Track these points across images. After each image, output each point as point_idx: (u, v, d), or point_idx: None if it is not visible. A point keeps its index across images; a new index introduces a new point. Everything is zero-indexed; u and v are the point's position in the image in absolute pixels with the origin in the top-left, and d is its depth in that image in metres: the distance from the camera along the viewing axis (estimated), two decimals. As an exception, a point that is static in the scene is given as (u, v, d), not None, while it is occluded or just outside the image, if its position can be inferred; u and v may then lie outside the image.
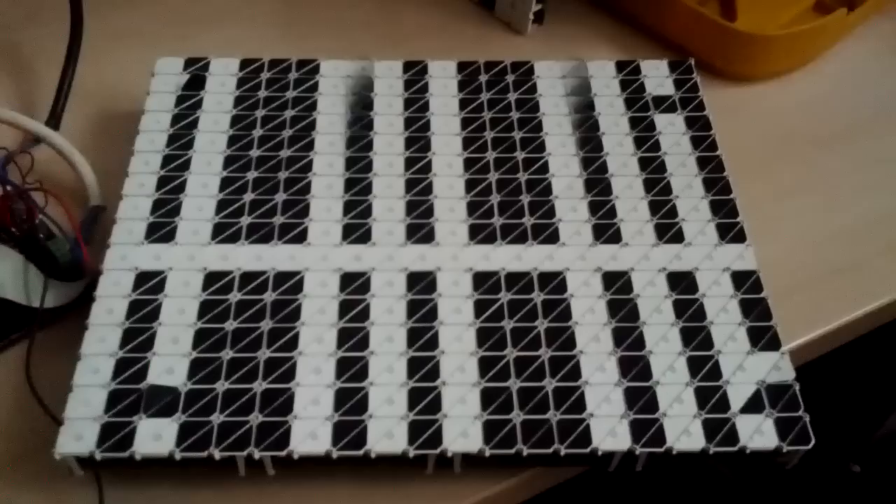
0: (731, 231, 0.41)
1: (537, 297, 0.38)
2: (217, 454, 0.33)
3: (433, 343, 0.36)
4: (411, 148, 0.43)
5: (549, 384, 0.35)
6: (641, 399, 0.35)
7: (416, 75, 0.47)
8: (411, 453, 0.33)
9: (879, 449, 0.76)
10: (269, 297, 0.37)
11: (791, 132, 0.50)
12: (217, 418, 0.34)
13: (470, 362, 0.36)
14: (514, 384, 0.35)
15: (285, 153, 0.43)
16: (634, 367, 0.36)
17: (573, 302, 0.38)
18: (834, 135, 0.50)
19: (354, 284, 0.38)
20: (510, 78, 0.47)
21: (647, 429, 0.34)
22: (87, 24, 0.49)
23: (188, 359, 0.35)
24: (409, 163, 0.43)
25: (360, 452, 0.33)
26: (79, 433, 0.33)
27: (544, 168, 0.43)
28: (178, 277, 0.38)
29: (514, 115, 0.45)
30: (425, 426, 0.34)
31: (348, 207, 0.41)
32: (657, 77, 0.47)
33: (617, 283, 0.39)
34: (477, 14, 0.55)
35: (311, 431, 0.34)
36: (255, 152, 0.43)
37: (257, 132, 0.44)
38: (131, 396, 0.34)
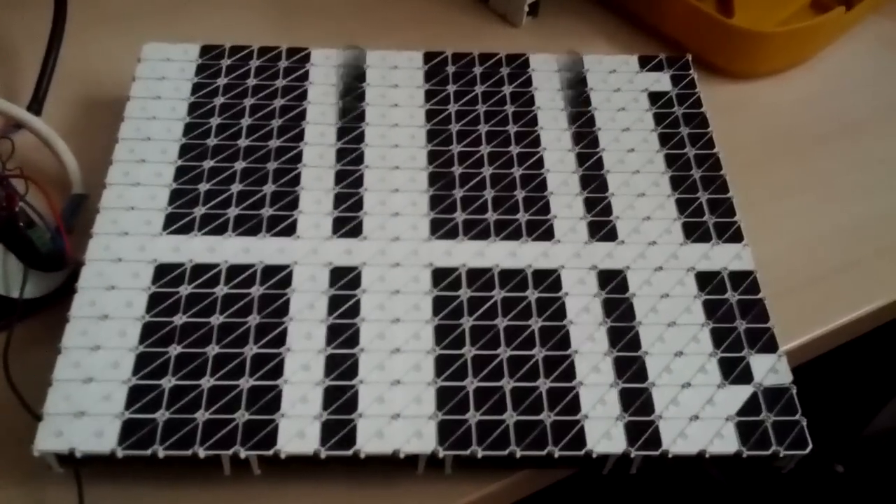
0: (728, 230, 0.40)
1: (531, 294, 0.37)
2: (202, 453, 0.32)
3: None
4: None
5: (544, 385, 0.35)
6: (637, 401, 0.34)
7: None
8: (402, 454, 0.32)
9: (863, 449, 0.76)
10: (256, 290, 0.37)
11: (788, 130, 0.49)
12: (202, 416, 0.33)
13: (461, 362, 0.35)
14: (507, 384, 0.34)
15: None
16: (630, 368, 0.35)
17: (567, 300, 0.37)
18: (831, 133, 0.49)
19: (344, 280, 0.37)
20: (505, 70, 0.46)
21: (643, 431, 0.34)
22: (71, 7, 0.48)
23: (174, 354, 0.34)
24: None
25: (350, 452, 0.32)
26: (58, 429, 0.32)
27: (540, 163, 0.42)
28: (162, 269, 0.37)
29: (510, 108, 0.44)
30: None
31: (338, 200, 0.40)
32: (654, 73, 0.47)
33: (612, 282, 0.38)
34: (471, 5, 0.55)
35: (298, 430, 0.33)
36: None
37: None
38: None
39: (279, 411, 0.33)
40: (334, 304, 0.36)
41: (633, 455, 0.33)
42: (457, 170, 0.42)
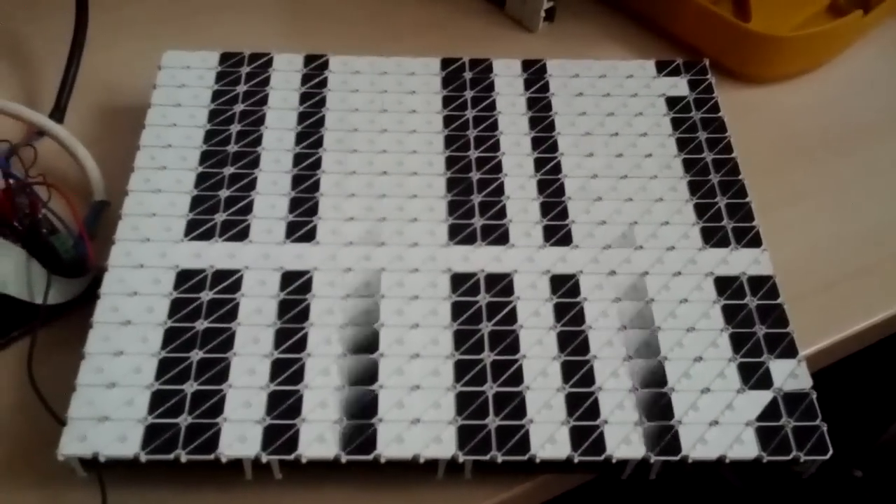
0: (746, 235, 0.40)
1: (550, 299, 0.37)
2: (223, 457, 0.32)
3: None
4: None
5: (563, 389, 0.35)
6: (656, 406, 0.34)
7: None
8: (422, 458, 0.33)
9: (882, 454, 0.76)
10: (278, 296, 0.37)
11: (805, 135, 0.49)
12: (224, 420, 0.33)
13: (480, 367, 0.35)
14: (525, 389, 0.35)
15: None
16: (649, 373, 0.35)
17: (586, 305, 0.37)
18: (848, 138, 0.49)
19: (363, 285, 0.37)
20: (522, 76, 0.46)
21: (662, 436, 0.34)
22: (92, 15, 0.48)
23: (196, 359, 0.35)
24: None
25: (370, 457, 0.32)
26: (82, 434, 0.32)
27: (557, 168, 0.42)
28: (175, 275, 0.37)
29: (528, 113, 0.45)
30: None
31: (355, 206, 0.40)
32: (671, 77, 0.47)
33: (631, 288, 0.38)
34: (487, 11, 0.55)
35: (319, 434, 0.33)
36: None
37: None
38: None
39: (300, 416, 0.33)
40: (353, 309, 0.37)
41: (652, 460, 0.33)
42: (475, 175, 0.42)
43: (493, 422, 0.34)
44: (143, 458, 0.32)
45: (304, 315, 0.36)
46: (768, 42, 0.50)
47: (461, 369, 0.35)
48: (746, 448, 0.33)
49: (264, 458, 0.32)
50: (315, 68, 0.46)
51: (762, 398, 0.35)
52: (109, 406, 0.33)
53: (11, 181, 0.40)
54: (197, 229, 0.39)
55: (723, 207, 0.41)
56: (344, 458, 0.32)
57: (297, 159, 0.42)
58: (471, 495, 0.34)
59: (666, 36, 0.53)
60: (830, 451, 0.34)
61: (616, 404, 0.34)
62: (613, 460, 0.33)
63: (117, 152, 0.43)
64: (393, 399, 0.34)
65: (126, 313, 0.36)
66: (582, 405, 0.34)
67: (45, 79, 0.49)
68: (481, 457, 0.33)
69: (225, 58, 0.46)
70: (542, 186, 0.42)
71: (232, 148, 0.42)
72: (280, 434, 0.33)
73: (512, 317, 0.37)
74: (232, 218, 0.39)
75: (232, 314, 0.36)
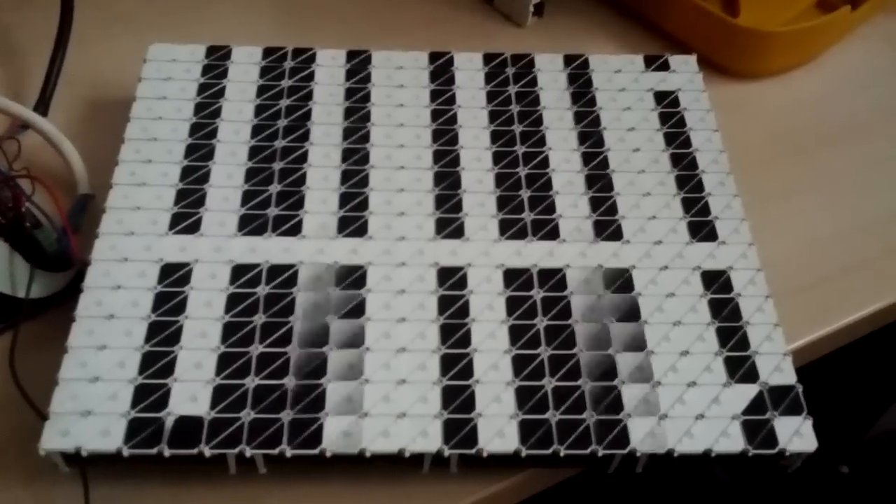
0: (734, 229, 0.40)
1: (537, 293, 0.37)
2: (207, 452, 0.32)
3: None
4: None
5: (549, 383, 0.34)
6: (643, 400, 0.34)
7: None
8: (407, 453, 0.32)
9: (868, 450, 0.76)
10: (262, 290, 0.37)
11: (794, 130, 0.49)
12: (208, 415, 0.33)
13: (466, 360, 0.35)
14: (513, 383, 0.34)
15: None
16: (636, 367, 0.35)
17: (573, 299, 0.37)
18: (837, 133, 0.49)
19: (349, 279, 0.37)
20: (510, 70, 0.46)
21: (648, 430, 0.33)
22: (78, 8, 0.48)
23: (178, 353, 0.34)
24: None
25: (356, 451, 0.32)
26: (64, 428, 0.32)
27: (545, 163, 0.42)
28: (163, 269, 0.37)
29: (515, 108, 0.44)
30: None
31: (343, 200, 0.40)
32: (659, 72, 0.47)
33: (618, 281, 0.38)
34: (476, 5, 0.55)
35: (304, 429, 0.33)
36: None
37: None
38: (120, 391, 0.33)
39: (284, 410, 0.33)
40: (340, 302, 0.36)
41: (638, 454, 0.33)
42: (462, 170, 0.42)
43: (478, 416, 0.33)
44: (126, 452, 0.32)
45: (289, 309, 0.36)
46: (757, 37, 0.50)
47: (447, 363, 0.35)
48: (732, 441, 0.33)
49: (248, 453, 0.32)
50: (303, 62, 0.46)
51: (748, 392, 0.35)
52: (92, 400, 0.33)
53: (-6, 174, 0.39)
54: (182, 223, 0.39)
55: (710, 202, 0.41)
56: (329, 453, 0.32)
57: (284, 153, 0.42)
58: (457, 490, 0.34)
59: (655, 31, 0.53)
60: (816, 445, 0.34)
61: (605, 398, 0.34)
62: (599, 454, 0.33)
63: (102, 146, 0.42)
64: (379, 393, 0.34)
65: (110, 307, 0.36)
66: (568, 400, 0.34)
67: (29, 71, 0.49)
68: (467, 451, 0.33)
69: (211, 51, 0.46)
70: (530, 181, 0.41)
71: (217, 141, 0.42)
72: (265, 429, 0.33)
73: (499, 311, 0.37)
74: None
75: (227, 309, 0.36)
